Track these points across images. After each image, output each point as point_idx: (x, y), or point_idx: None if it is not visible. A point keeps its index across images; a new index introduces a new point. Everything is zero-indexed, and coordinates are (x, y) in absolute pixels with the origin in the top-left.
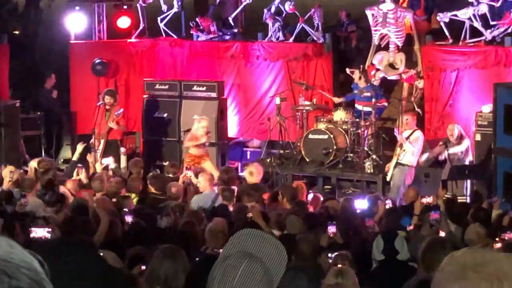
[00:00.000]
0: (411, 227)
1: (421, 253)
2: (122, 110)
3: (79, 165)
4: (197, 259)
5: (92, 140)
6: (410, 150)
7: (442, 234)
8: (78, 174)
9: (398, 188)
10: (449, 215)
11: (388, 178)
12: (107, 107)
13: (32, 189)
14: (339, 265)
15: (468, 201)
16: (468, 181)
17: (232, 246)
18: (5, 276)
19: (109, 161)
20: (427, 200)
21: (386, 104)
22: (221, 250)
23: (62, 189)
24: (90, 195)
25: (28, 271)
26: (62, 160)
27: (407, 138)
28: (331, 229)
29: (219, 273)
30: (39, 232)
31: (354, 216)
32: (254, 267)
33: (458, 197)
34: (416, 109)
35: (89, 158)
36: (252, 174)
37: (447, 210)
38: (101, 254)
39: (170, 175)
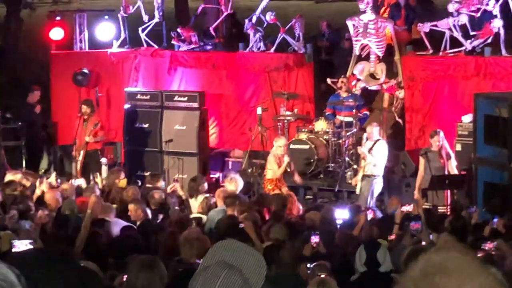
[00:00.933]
0: (393, 237)
1: (402, 264)
2: (98, 123)
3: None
4: (180, 269)
5: (73, 151)
6: (373, 161)
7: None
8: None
9: (366, 199)
10: (428, 224)
11: (357, 191)
12: (85, 117)
13: None
14: (321, 276)
15: (448, 211)
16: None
17: (211, 257)
18: None
19: (81, 181)
20: (407, 208)
21: (367, 113)
22: (199, 260)
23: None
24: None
25: (4, 283)
26: (42, 170)
27: (370, 149)
28: (314, 239)
29: (199, 283)
30: (21, 246)
31: (333, 226)
32: (233, 278)
33: (439, 207)
34: (397, 119)
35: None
36: (233, 183)
37: (426, 220)
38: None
39: (150, 186)
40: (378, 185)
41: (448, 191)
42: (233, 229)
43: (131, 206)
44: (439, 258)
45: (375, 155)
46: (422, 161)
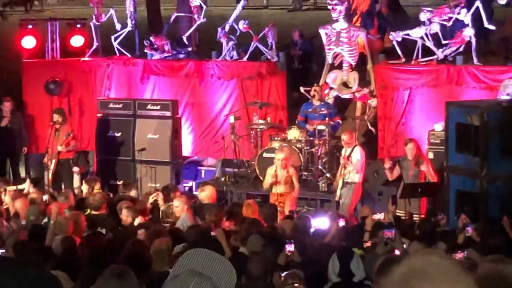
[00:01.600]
0: (368, 244)
1: (375, 272)
2: (70, 132)
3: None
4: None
5: (45, 160)
6: (353, 169)
7: (397, 252)
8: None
9: (348, 206)
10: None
11: (337, 198)
12: (57, 126)
13: None
14: (293, 284)
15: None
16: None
17: (181, 266)
18: None
19: (25, 185)
20: (378, 216)
21: (340, 121)
22: (170, 269)
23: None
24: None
25: None
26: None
27: (348, 156)
28: (289, 247)
29: None
30: None
31: (307, 234)
32: (203, 285)
33: (414, 215)
34: (370, 127)
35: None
36: (206, 193)
37: (396, 227)
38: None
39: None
40: (357, 193)
41: (425, 199)
42: (205, 237)
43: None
44: (420, 263)
45: (353, 161)
46: (397, 167)
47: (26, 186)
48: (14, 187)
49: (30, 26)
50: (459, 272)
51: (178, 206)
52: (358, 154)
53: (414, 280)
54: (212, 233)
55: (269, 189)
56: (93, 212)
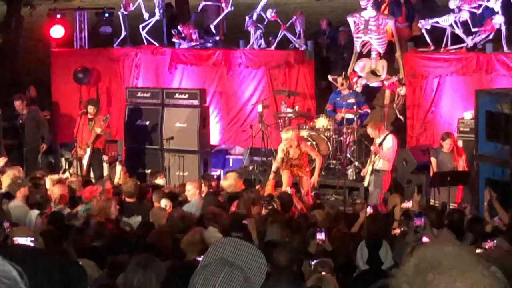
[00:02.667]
0: (395, 231)
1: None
2: (109, 115)
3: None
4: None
5: (74, 149)
6: (385, 156)
7: (426, 240)
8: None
9: (376, 194)
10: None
11: (365, 184)
12: (90, 116)
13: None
14: (322, 273)
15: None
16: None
17: (211, 255)
18: None
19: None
20: (407, 205)
21: (368, 110)
22: (198, 258)
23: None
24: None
25: (8, 280)
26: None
27: (380, 144)
28: (320, 236)
29: (200, 280)
30: (22, 242)
31: (339, 223)
32: (234, 274)
33: (451, 204)
34: (398, 115)
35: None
36: (228, 182)
37: (428, 216)
38: (80, 263)
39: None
40: (386, 182)
41: (461, 187)
42: (237, 224)
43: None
44: (433, 254)
45: (385, 149)
46: (434, 160)
47: (67, 175)
48: (56, 176)
49: (58, 16)
50: (475, 263)
51: (190, 190)
52: (390, 142)
53: (429, 274)
54: (244, 222)
55: (281, 165)
56: (127, 199)
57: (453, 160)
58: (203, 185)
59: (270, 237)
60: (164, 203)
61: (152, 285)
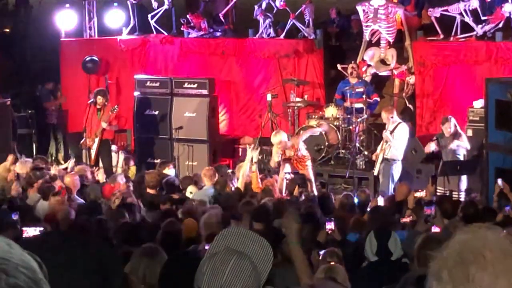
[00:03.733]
0: (404, 220)
1: (416, 250)
2: (117, 106)
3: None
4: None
5: (83, 139)
6: (395, 145)
7: (437, 229)
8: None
9: (387, 183)
10: (442, 211)
11: (375, 173)
12: (98, 106)
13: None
14: (331, 263)
15: (462, 196)
16: (463, 176)
17: (218, 244)
18: (3, 273)
19: (69, 164)
20: (420, 194)
21: (378, 99)
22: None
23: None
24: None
25: (26, 270)
26: (62, 157)
27: (392, 132)
28: (329, 225)
29: (209, 269)
30: (31, 232)
31: (353, 213)
32: (243, 263)
33: (453, 192)
34: (408, 104)
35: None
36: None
37: (440, 206)
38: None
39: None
40: (397, 170)
41: (466, 176)
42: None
43: None
44: (476, 243)
45: (397, 138)
46: (432, 144)
47: (70, 164)
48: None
49: (67, 5)
50: None
51: (204, 180)
52: (402, 131)
53: (472, 267)
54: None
55: (277, 166)
56: (149, 191)
57: (452, 143)
58: (216, 173)
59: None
60: (190, 190)
61: (157, 274)
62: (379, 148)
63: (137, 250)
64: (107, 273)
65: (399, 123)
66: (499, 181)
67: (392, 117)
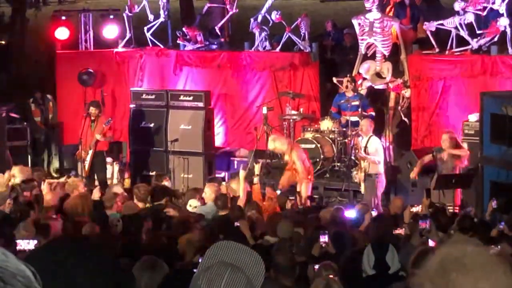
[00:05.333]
0: (398, 231)
1: (411, 263)
2: (110, 119)
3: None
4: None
5: (78, 151)
6: (375, 159)
7: (433, 243)
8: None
9: (371, 198)
10: (437, 224)
11: (362, 191)
12: (92, 118)
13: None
14: (327, 276)
15: (457, 210)
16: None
17: (211, 257)
18: (1, 282)
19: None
20: (416, 209)
21: (373, 113)
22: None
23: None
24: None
25: (23, 279)
26: (54, 169)
27: (365, 147)
28: (323, 238)
29: (204, 282)
30: (24, 245)
31: (344, 226)
32: (238, 276)
33: (448, 206)
34: (403, 118)
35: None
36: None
37: (435, 219)
38: None
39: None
40: (381, 183)
41: (459, 190)
42: (228, 228)
43: None
44: (457, 253)
45: (372, 153)
46: (428, 156)
47: (63, 179)
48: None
49: (63, 18)
50: (497, 263)
51: (207, 192)
52: (375, 144)
53: (453, 273)
54: (236, 224)
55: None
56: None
57: (453, 159)
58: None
59: (282, 235)
60: (191, 203)
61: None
62: (357, 168)
63: (137, 262)
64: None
65: (370, 136)
66: (493, 203)
67: (364, 128)
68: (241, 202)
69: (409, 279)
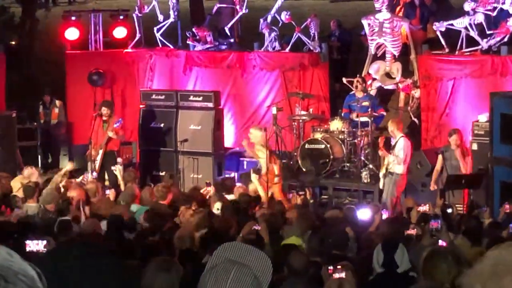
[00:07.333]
0: (409, 232)
1: (422, 263)
2: (121, 120)
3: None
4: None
5: (88, 151)
6: (395, 160)
7: (443, 243)
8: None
9: (389, 197)
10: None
11: (380, 186)
12: (104, 118)
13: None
14: (338, 275)
15: (465, 210)
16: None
17: (218, 257)
18: (3, 280)
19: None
20: (423, 208)
21: (384, 113)
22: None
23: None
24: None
25: (26, 278)
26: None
27: (393, 147)
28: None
29: (212, 278)
30: (33, 246)
31: (357, 226)
32: (245, 272)
33: (456, 205)
34: (413, 118)
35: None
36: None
37: (444, 219)
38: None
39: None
40: (399, 183)
41: (467, 191)
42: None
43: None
44: (510, 257)
45: (398, 153)
46: (440, 158)
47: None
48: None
49: (73, 18)
50: None
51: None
52: (401, 145)
53: (507, 277)
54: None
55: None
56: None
57: (458, 156)
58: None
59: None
60: (217, 206)
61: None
62: (381, 163)
63: (151, 264)
64: None
65: (401, 136)
66: (506, 206)
67: (393, 131)
68: (264, 202)
69: (420, 280)
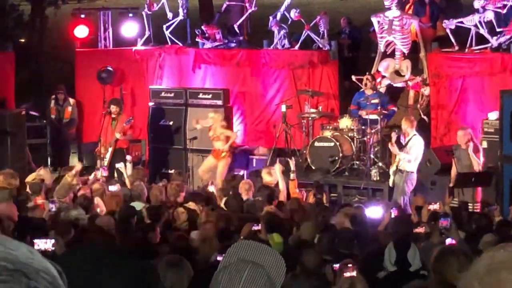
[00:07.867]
0: (419, 230)
1: (432, 262)
2: (131, 118)
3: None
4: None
5: (97, 148)
6: (406, 158)
7: (453, 241)
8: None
9: (400, 195)
10: (456, 222)
11: (390, 184)
12: (113, 115)
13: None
14: (349, 274)
15: (478, 208)
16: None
17: (231, 256)
18: (24, 277)
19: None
20: (433, 206)
21: (395, 109)
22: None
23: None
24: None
25: (47, 276)
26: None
27: (406, 144)
28: None
29: (225, 277)
30: (42, 245)
31: (365, 225)
32: (258, 272)
33: (469, 204)
34: (422, 116)
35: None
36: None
37: (454, 218)
38: None
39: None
40: (409, 182)
41: (480, 188)
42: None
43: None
44: (504, 255)
45: (410, 151)
46: (453, 160)
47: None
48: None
49: (82, 16)
50: None
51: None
52: (412, 142)
53: (503, 272)
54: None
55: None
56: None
57: (470, 154)
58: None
59: (304, 236)
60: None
61: (184, 285)
62: (393, 160)
63: (161, 261)
64: None
65: (413, 135)
66: None
67: (407, 129)
68: (283, 197)
69: (430, 277)
